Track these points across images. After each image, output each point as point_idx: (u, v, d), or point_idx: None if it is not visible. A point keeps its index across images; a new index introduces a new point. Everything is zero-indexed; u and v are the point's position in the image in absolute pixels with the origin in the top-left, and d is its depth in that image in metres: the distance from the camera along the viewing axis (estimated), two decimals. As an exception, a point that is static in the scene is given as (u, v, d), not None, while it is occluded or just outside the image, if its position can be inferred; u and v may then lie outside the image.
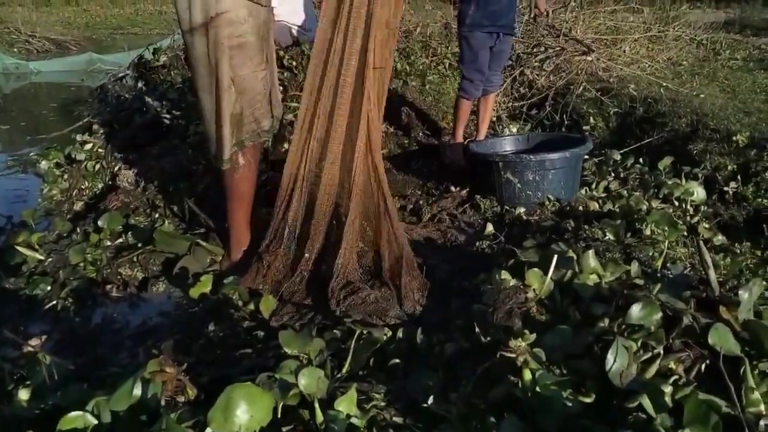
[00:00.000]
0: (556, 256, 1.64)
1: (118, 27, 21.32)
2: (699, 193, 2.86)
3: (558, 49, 5.10)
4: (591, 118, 4.43)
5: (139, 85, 5.03)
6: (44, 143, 4.88)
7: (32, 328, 2.00)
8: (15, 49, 14.23)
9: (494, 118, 4.56)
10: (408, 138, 3.92)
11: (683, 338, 1.33)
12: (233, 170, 2.22)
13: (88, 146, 3.68)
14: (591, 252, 1.69)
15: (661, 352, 1.29)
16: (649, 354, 1.29)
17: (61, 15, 21.49)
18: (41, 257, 2.43)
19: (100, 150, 3.65)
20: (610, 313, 1.45)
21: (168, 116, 3.82)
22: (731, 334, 1.29)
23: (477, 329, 1.51)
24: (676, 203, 2.82)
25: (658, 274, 1.87)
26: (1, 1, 19.97)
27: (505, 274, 1.67)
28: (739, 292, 1.38)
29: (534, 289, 1.61)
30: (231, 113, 2.12)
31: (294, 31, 4.29)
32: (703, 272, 1.55)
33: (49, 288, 2.23)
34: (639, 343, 1.31)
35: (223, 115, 2.10)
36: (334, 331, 1.68)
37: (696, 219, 2.64)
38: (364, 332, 1.58)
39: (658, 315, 1.38)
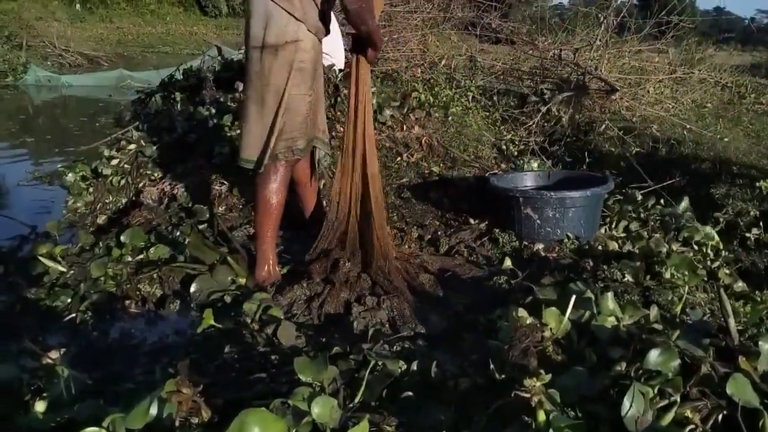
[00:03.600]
0: (574, 296, 1.63)
1: (149, 45, 21.84)
2: (719, 237, 2.84)
3: (582, 86, 5.12)
4: (612, 156, 4.43)
5: (169, 104, 5.12)
6: (71, 156, 4.99)
7: (51, 340, 2.03)
8: (48, 63, 14.62)
9: (515, 153, 4.58)
10: (428, 168, 3.95)
11: (701, 387, 1.31)
12: (266, 181, 2.37)
13: (115, 161, 3.75)
14: (610, 294, 1.68)
15: (678, 399, 1.28)
16: (666, 401, 1.28)
17: (94, 31, 22.07)
18: (63, 269, 2.47)
19: (126, 166, 3.72)
20: (627, 357, 1.44)
21: (194, 136, 3.89)
22: (750, 385, 1.27)
23: (492, 366, 1.51)
24: (697, 247, 2.80)
25: (677, 320, 1.85)
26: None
27: (522, 312, 1.67)
28: (760, 342, 1.37)
29: (551, 329, 1.61)
30: (276, 126, 2.31)
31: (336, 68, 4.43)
32: (723, 319, 1.54)
33: (69, 300, 2.27)
34: (656, 390, 1.29)
35: (276, 124, 2.30)
36: (349, 358, 1.68)
37: (716, 264, 2.62)
38: (379, 363, 1.58)
39: (677, 362, 1.36)
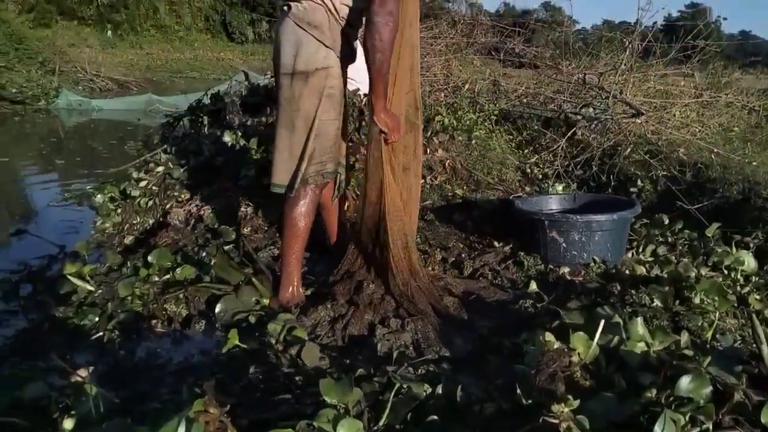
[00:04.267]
0: (602, 321, 1.61)
1: (178, 71, 22.35)
2: (750, 262, 2.77)
3: (607, 110, 5.10)
4: (639, 180, 4.38)
5: (196, 128, 5.22)
6: (100, 177, 5.10)
7: (79, 358, 2.05)
8: (80, 87, 15.03)
9: (540, 176, 4.56)
10: (452, 191, 3.95)
11: (734, 415, 1.28)
12: (295, 205, 2.40)
13: (143, 183, 3.82)
14: (639, 319, 1.65)
15: (711, 427, 1.25)
16: (698, 429, 1.25)
17: (125, 57, 22.68)
18: (91, 288, 2.51)
19: (154, 187, 3.79)
20: (657, 384, 1.41)
21: (221, 159, 3.95)
22: (786, 414, 1.24)
23: (518, 391, 1.49)
24: (726, 272, 2.75)
25: (708, 346, 1.81)
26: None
27: (549, 336, 1.65)
28: (795, 370, 1.33)
29: (579, 353, 1.58)
30: (306, 151, 2.34)
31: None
32: (755, 346, 1.50)
33: (96, 319, 2.30)
34: (687, 417, 1.27)
35: (306, 150, 2.33)
36: (374, 381, 1.68)
37: (747, 289, 2.56)
38: (404, 386, 1.57)
39: (708, 389, 1.34)
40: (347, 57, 2.39)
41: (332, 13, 2.26)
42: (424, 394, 1.58)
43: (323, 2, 2.25)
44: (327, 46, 2.27)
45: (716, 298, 2.25)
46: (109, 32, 27.75)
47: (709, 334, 1.95)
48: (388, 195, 2.39)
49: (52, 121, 11.17)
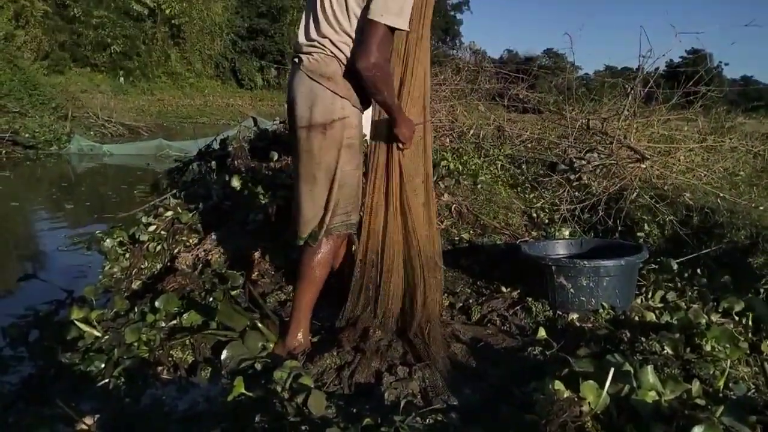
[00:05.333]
0: (612, 369, 1.59)
1: (188, 116, 22.74)
2: (761, 309, 2.75)
3: (611, 155, 5.14)
4: (645, 224, 4.38)
5: (205, 172, 5.29)
6: (109, 222, 5.14)
7: (84, 405, 2.03)
8: (91, 132, 15.30)
9: (546, 221, 4.57)
10: (458, 235, 3.96)
11: (750, 467, 1.26)
12: (314, 253, 2.37)
13: (152, 228, 3.85)
14: (650, 367, 1.64)
15: (727, 481, 1.22)
16: (714, 482, 1.22)
17: (136, 103, 23.15)
18: (98, 334, 2.50)
19: (162, 232, 3.82)
20: (670, 434, 1.39)
21: (229, 203, 3.99)
22: (803, 467, 1.21)
23: (528, 441, 1.47)
24: (737, 318, 2.72)
25: (721, 395, 1.78)
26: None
27: (558, 385, 1.63)
28: (810, 421, 1.31)
29: (589, 403, 1.56)
30: (330, 202, 2.33)
31: None
32: (770, 396, 1.48)
33: (103, 365, 2.28)
34: (702, 470, 1.24)
35: (330, 201, 2.32)
36: (381, 430, 1.65)
37: (758, 336, 2.53)
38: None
39: (723, 440, 1.31)
40: (363, 104, 2.38)
41: (344, 64, 2.25)
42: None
43: (334, 54, 2.24)
44: (342, 97, 2.25)
45: (727, 346, 2.22)
46: (122, 79, 28.43)
47: (722, 383, 1.92)
48: (394, 222, 2.40)
49: (63, 165, 11.34)
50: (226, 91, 32.96)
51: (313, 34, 2.26)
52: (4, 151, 11.74)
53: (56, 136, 12.97)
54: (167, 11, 31.28)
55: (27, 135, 12.69)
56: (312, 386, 2.02)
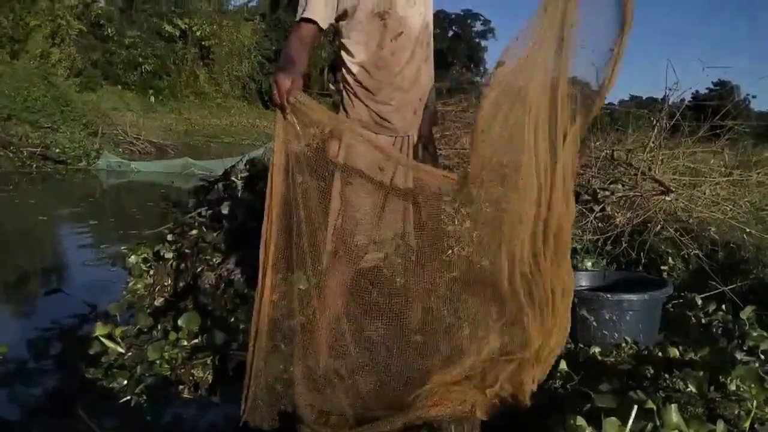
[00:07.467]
0: (635, 407, 1.58)
1: (214, 135, 23.07)
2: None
3: (635, 186, 5.10)
4: (669, 258, 4.33)
5: (230, 192, 5.34)
6: (134, 238, 5.23)
7: (106, 422, 2.06)
8: (120, 149, 15.59)
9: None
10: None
11: None
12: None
13: (176, 245, 3.90)
14: (674, 406, 1.61)
15: None
16: None
17: (164, 121, 23.55)
18: (121, 350, 2.54)
19: (186, 250, 3.86)
20: (694, 476, 1.36)
21: (253, 224, 4.03)
22: None
23: (549, 477, 1.45)
24: (763, 357, 2.66)
25: (746, 437, 1.75)
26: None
27: (580, 420, 1.62)
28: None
29: (611, 440, 1.54)
30: None
31: None
32: (798, 441, 1.45)
33: (125, 382, 2.32)
34: None
35: None
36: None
37: (786, 377, 2.47)
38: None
39: (749, 484, 1.29)
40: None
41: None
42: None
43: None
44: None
45: (753, 385, 2.17)
46: (151, 97, 29.01)
47: (747, 424, 1.88)
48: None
49: (92, 181, 11.57)
50: (252, 111, 33.42)
51: None
52: (34, 165, 12.02)
53: (86, 151, 13.24)
54: (198, 33, 31.99)
55: (57, 150, 12.98)
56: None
